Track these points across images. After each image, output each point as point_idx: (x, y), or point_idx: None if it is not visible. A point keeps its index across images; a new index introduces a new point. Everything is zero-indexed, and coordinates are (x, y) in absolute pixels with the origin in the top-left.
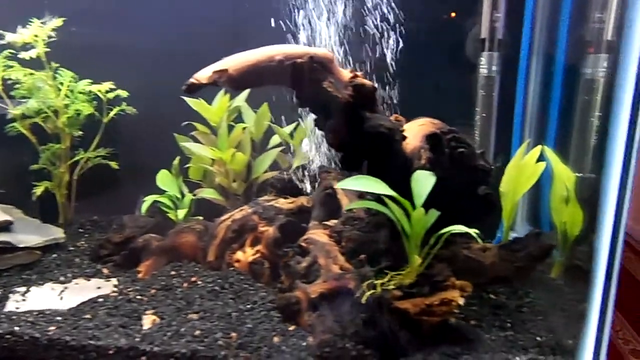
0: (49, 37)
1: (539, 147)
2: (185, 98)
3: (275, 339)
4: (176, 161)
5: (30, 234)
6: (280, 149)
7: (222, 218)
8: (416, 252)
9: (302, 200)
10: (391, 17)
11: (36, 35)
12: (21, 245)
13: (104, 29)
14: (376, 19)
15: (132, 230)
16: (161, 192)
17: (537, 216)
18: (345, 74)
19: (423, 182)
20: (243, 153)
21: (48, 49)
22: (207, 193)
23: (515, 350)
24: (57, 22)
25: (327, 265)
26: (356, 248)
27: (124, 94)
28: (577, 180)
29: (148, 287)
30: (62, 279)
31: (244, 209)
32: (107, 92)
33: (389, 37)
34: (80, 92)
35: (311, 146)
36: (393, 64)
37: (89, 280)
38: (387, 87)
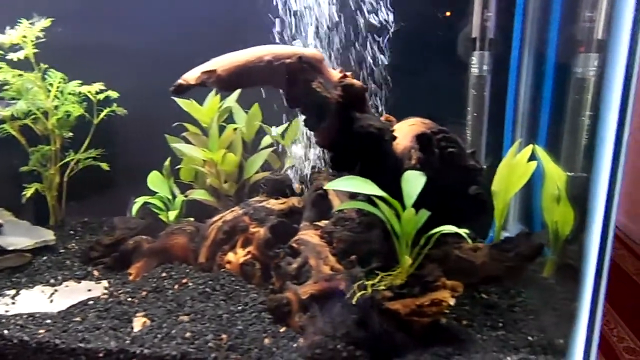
0: (38, 37)
1: (530, 146)
2: (176, 99)
3: (266, 341)
4: (167, 162)
5: (20, 236)
6: (271, 149)
7: (213, 219)
8: (407, 252)
9: (294, 201)
10: (381, 17)
11: (24, 36)
12: (11, 248)
13: (94, 29)
14: (366, 19)
15: (122, 232)
16: (152, 193)
17: (529, 215)
18: (335, 74)
19: (413, 182)
20: (234, 154)
21: (37, 50)
22: (199, 194)
23: (507, 350)
24: (46, 22)
25: (317, 266)
26: (347, 249)
27: (114, 94)
28: (568, 180)
29: (139, 289)
30: (52, 281)
31: (235, 210)
32: (97, 93)
33: (379, 36)
34: (70, 94)
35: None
36: (384, 63)
37: (79, 282)
38: (379, 87)
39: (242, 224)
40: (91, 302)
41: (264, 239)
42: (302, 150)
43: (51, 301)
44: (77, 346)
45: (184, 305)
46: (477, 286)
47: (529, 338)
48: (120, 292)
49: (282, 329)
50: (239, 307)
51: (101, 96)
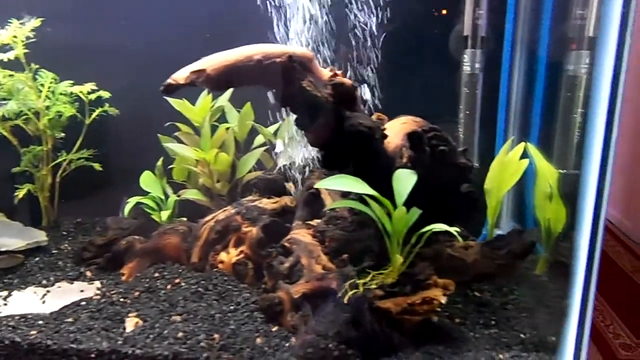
0: (28, 37)
1: (523, 144)
2: (169, 98)
3: (258, 340)
4: (160, 162)
5: (13, 238)
6: (264, 148)
7: (206, 219)
8: (398, 251)
9: (286, 200)
10: (373, 15)
11: (15, 36)
12: (3, 249)
13: (85, 29)
14: (358, 17)
15: (115, 233)
16: (145, 193)
17: (521, 213)
18: (325, 72)
19: (404, 180)
20: (227, 153)
21: (27, 50)
22: (191, 194)
23: (499, 347)
24: (36, 22)
25: (309, 265)
26: (339, 247)
27: (106, 94)
28: (560, 177)
29: (131, 290)
30: (44, 282)
31: (228, 209)
32: (88, 93)
33: (371, 34)
34: (62, 94)
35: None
36: (375, 61)
37: (71, 283)
38: (369, 85)
39: (234, 224)
40: (84, 303)
41: (257, 239)
42: (293, 149)
43: (43, 302)
44: (69, 347)
45: (177, 305)
46: (470, 284)
47: (522, 335)
48: (112, 292)
49: (274, 329)
50: (232, 307)
51: (93, 96)
